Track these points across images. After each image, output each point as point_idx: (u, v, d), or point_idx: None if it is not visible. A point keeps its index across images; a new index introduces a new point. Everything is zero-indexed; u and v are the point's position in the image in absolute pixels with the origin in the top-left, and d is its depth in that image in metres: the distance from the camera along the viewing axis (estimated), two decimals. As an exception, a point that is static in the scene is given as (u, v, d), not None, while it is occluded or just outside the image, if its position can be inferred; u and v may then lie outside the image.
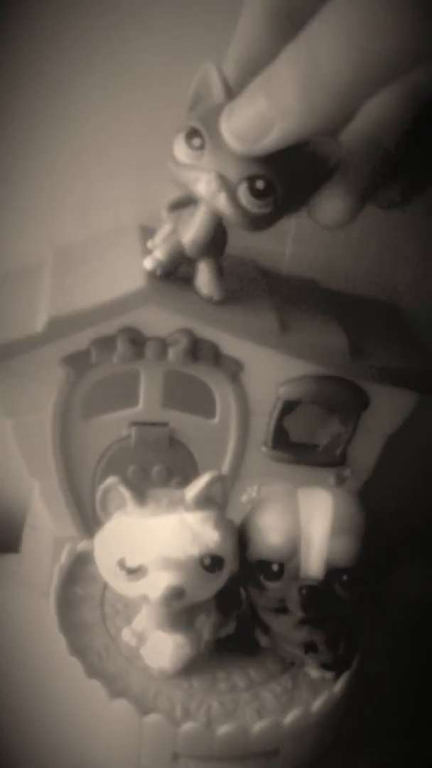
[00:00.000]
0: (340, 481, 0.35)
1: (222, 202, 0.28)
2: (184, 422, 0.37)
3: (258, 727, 0.30)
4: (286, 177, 0.28)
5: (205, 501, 0.30)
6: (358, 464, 0.38)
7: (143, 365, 0.35)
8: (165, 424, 0.37)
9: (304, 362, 0.35)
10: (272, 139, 0.25)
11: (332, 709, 0.31)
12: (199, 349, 0.34)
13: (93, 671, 0.31)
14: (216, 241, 0.32)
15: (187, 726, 0.29)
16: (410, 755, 0.35)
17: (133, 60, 0.36)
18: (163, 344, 0.34)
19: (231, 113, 0.27)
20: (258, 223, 0.29)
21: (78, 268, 0.37)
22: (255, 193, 0.28)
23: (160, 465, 0.38)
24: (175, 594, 0.29)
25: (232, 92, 0.28)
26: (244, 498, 0.33)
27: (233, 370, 0.35)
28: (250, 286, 0.36)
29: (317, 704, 0.31)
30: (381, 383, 0.35)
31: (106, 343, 0.34)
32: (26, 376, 0.34)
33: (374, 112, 0.28)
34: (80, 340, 0.34)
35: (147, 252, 0.33)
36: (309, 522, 0.29)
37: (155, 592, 0.29)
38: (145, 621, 0.32)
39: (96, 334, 0.34)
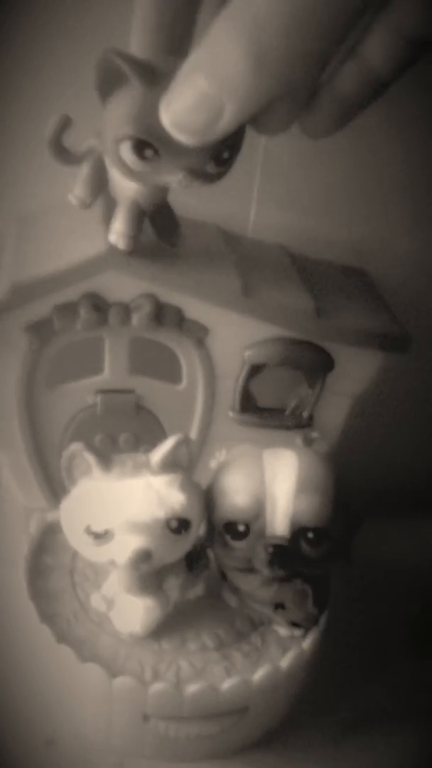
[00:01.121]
0: (308, 443, 0.35)
1: (195, 186, 0.28)
2: (150, 388, 0.37)
3: (227, 684, 0.30)
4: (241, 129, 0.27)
5: (170, 464, 0.30)
6: (326, 426, 0.38)
7: (107, 332, 0.35)
8: (131, 391, 0.37)
9: (269, 325, 0.35)
10: (225, 122, 0.22)
11: (301, 666, 0.32)
12: (163, 314, 0.34)
13: (63, 637, 0.31)
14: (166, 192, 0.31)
15: (157, 686, 0.30)
16: (380, 711, 0.36)
17: (92, 29, 0.36)
18: (127, 310, 0.34)
19: (169, 104, 0.23)
20: (216, 179, 0.29)
21: (40, 236, 0.36)
22: (221, 162, 0.28)
23: (127, 432, 0.38)
24: (142, 557, 0.29)
25: (149, 72, 0.25)
26: (213, 463, 0.33)
27: (198, 335, 0.35)
28: (214, 250, 0.36)
29: (286, 661, 0.31)
30: (346, 344, 0.35)
31: (69, 310, 0.33)
32: (-11, 346, 0.34)
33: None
34: (43, 308, 0.33)
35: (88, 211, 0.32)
36: (274, 481, 0.29)
37: (122, 556, 0.29)
38: (115, 586, 0.32)
39: (58, 301, 0.33)
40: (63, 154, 0.31)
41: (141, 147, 0.26)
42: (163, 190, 0.31)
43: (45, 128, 0.37)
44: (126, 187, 0.30)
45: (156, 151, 0.26)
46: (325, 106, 0.26)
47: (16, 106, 0.37)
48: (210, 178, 0.28)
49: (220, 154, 0.27)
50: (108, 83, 0.26)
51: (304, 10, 0.19)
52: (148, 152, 0.26)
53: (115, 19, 0.31)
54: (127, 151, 0.27)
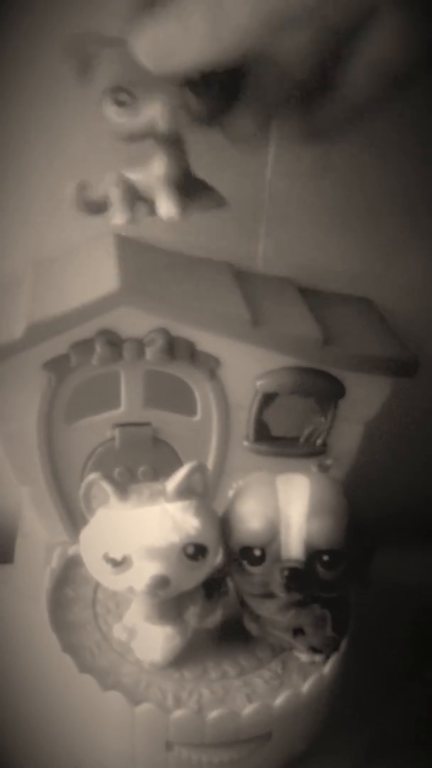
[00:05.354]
0: (323, 470, 0.35)
1: (183, 120, 0.29)
2: (166, 421, 0.38)
3: (248, 710, 0.30)
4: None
5: (185, 491, 0.31)
6: (340, 453, 0.39)
7: (123, 366, 0.36)
8: (148, 424, 0.38)
9: (279, 354, 0.35)
10: (181, 60, 0.26)
11: (322, 691, 0.32)
12: (175, 348, 0.35)
13: (85, 667, 0.32)
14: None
15: (179, 713, 0.30)
16: (404, 735, 0.35)
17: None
18: (140, 344, 0.35)
19: (142, 33, 0.27)
20: (216, 114, 0.30)
21: (56, 278, 0.37)
22: (199, 90, 0.29)
23: (145, 465, 0.38)
24: (160, 583, 0.29)
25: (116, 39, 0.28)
26: (231, 492, 0.33)
27: (210, 367, 0.36)
28: (223, 285, 0.37)
29: (307, 686, 0.31)
30: (356, 371, 0.36)
31: (84, 347, 0.35)
32: (9, 384, 0.35)
33: (283, 44, 0.28)
34: (60, 345, 0.34)
35: (100, 253, 0.34)
36: (287, 505, 0.30)
37: (140, 583, 0.29)
38: (135, 616, 0.32)
39: (74, 338, 0.34)
40: (89, 207, 0.33)
41: (116, 95, 0.29)
42: (180, 157, 0.32)
43: (59, 179, 0.39)
44: (146, 184, 0.32)
45: (131, 95, 0.29)
46: (330, 107, 0.29)
47: (31, 158, 0.39)
48: (198, 115, 0.29)
49: (194, 84, 0.28)
50: (83, 68, 0.29)
51: (260, 7, 0.23)
52: (123, 96, 0.29)
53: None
54: (108, 107, 0.29)
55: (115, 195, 0.33)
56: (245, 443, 0.38)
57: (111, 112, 0.29)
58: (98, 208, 0.33)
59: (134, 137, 0.30)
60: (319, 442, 0.38)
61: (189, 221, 0.34)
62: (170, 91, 0.29)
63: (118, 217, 0.33)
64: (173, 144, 0.31)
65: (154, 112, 0.29)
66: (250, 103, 0.29)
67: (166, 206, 0.32)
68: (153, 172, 0.32)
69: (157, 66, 0.27)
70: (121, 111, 0.29)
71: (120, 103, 0.29)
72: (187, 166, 0.32)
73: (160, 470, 0.38)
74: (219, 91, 0.30)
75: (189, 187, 0.32)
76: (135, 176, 0.32)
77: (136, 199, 0.32)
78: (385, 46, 0.27)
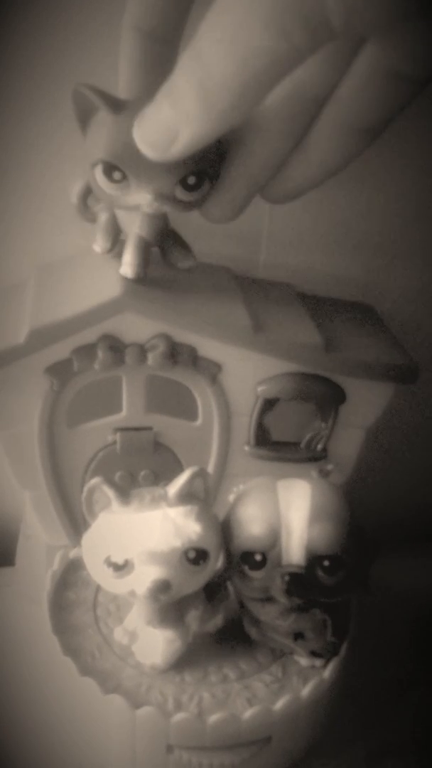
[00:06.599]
0: (324, 475, 0.36)
1: (167, 209, 0.30)
2: (167, 426, 0.38)
3: (249, 714, 0.30)
4: (203, 156, 0.29)
5: (187, 496, 0.31)
6: (341, 458, 0.39)
7: (124, 371, 0.36)
8: (149, 429, 0.38)
9: (280, 360, 0.36)
10: (181, 145, 0.26)
11: (322, 695, 0.32)
12: (177, 353, 0.35)
13: (86, 670, 0.32)
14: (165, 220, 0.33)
15: (179, 716, 0.30)
16: (404, 739, 0.36)
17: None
18: (143, 350, 0.35)
19: (141, 123, 0.27)
20: (198, 205, 0.31)
21: (59, 282, 0.38)
22: (189, 188, 0.30)
23: (146, 469, 0.39)
24: (161, 587, 0.29)
25: (116, 101, 0.28)
26: (231, 497, 0.34)
27: (212, 372, 0.36)
28: (225, 291, 0.38)
29: (307, 690, 0.31)
30: (356, 377, 0.36)
31: (87, 352, 0.35)
32: (11, 388, 0.35)
33: (263, 114, 0.30)
34: (62, 350, 0.35)
35: (103, 258, 0.35)
36: (288, 510, 0.30)
37: (142, 587, 0.29)
38: (136, 619, 0.33)
39: (77, 343, 0.35)
40: (87, 213, 0.35)
41: (110, 170, 0.29)
42: (160, 219, 0.33)
43: (63, 184, 0.39)
44: (128, 223, 0.33)
45: (124, 175, 0.29)
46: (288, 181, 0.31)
47: (37, 163, 0.39)
48: (183, 205, 0.30)
49: (185, 179, 0.29)
50: (84, 116, 0.30)
51: (243, 64, 0.23)
52: (117, 174, 0.29)
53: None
54: (99, 175, 0.30)
55: (100, 221, 0.34)
56: (246, 448, 0.38)
57: (101, 181, 0.30)
58: (92, 217, 0.35)
59: (118, 207, 0.31)
60: (319, 447, 0.38)
61: (190, 227, 0.34)
62: (163, 184, 0.29)
63: (96, 244, 0.35)
64: (156, 217, 0.32)
65: (142, 199, 0.30)
66: (225, 182, 0.30)
67: (123, 262, 0.33)
68: (128, 221, 0.33)
69: (157, 155, 0.27)
70: (111, 185, 0.30)
71: (112, 180, 0.29)
72: (166, 229, 0.33)
73: (161, 474, 0.38)
74: (209, 187, 0.30)
75: (166, 244, 0.34)
76: (118, 214, 0.33)
77: (117, 233, 0.34)
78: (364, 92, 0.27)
